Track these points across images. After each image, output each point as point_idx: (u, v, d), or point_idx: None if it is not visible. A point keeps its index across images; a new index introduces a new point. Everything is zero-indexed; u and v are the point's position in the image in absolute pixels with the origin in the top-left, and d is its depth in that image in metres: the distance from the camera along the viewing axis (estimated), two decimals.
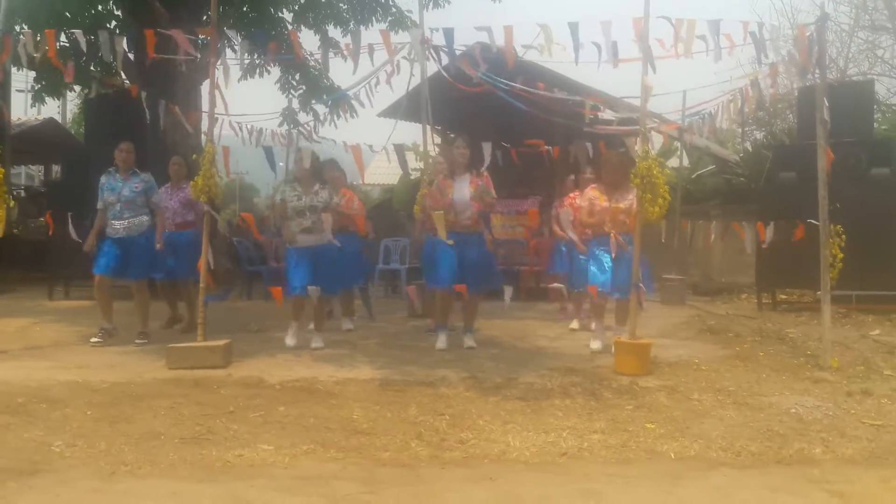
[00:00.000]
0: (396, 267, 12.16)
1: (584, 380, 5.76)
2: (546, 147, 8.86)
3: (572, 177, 8.98)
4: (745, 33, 6.23)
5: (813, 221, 6.64)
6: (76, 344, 7.28)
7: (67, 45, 9.45)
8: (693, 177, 17.03)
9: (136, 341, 7.16)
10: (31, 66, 6.91)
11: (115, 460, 3.90)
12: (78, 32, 6.75)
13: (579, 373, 6.02)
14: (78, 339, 7.47)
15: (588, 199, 7.08)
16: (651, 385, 5.65)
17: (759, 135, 20.56)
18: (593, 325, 7.39)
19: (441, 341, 7.08)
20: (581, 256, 7.64)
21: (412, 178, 16.88)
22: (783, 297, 11.18)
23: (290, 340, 7.11)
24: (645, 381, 5.77)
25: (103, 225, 7.30)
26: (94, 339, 7.11)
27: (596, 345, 7.05)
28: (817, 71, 6.92)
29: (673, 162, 15.93)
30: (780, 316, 9.73)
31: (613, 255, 6.75)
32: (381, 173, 28.52)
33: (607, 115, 9.12)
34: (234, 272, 11.89)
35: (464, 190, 7.04)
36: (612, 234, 6.77)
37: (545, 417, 4.79)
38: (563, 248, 8.53)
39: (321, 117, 12.03)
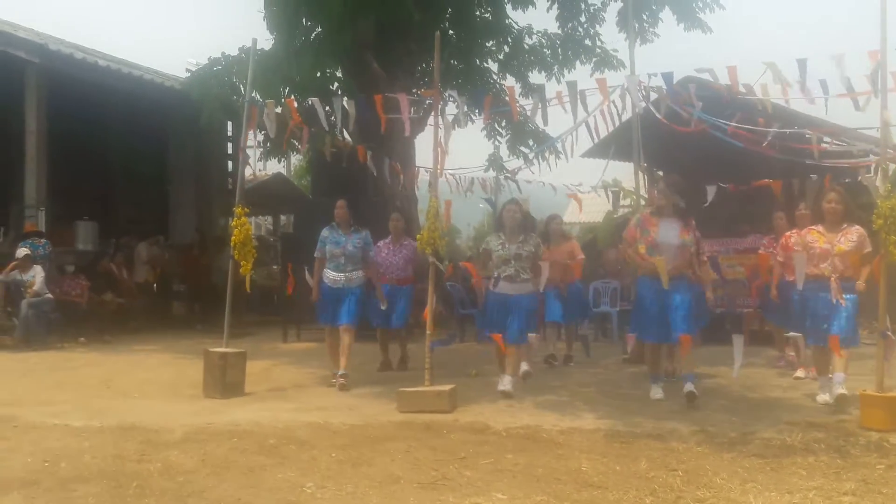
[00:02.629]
0: (607, 309, 12.02)
1: (827, 435, 5.38)
2: (767, 181, 8.51)
3: (782, 214, 8.47)
4: None
5: None
6: (314, 385, 7.82)
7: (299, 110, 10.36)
8: None
9: (339, 381, 7.45)
10: (271, 133, 7.60)
11: (362, 503, 4.13)
12: (315, 101, 7.36)
13: (821, 427, 5.62)
14: (314, 381, 8.02)
15: (804, 242, 6.64)
16: None
17: None
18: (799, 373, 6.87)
19: (655, 392, 6.83)
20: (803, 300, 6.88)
21: (619, 216, 16.73)
22: None
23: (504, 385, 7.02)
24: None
25: (321, 274, 7.80)
26: (333, 381, 7.55)
27: (823, 397, 6.59)
28: None
29: None
30: None
31: (834, 300, 6.27)
32: (584, 213, 28.15)
33: (836, 147, 8.57)
34: (448, 316, 12.28)
35: (671, 233, 6.72)
36: (832, 279, 6.31)
37: (788, 476, 4.52)
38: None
39: (529, 162, 12.32)
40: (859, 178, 7.57)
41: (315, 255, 7.88)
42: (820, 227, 6.59)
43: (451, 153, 8.30)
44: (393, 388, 6.74)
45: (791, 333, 7.98)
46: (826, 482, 4.41)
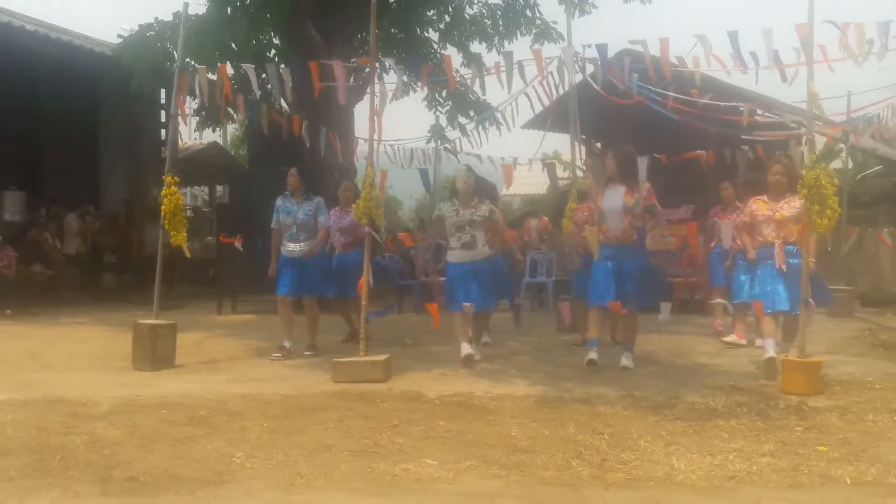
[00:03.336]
0: (543, 280, 12.16)
1: (749, 399, 5.57)
2: (702, 153, 8.66)
3: (728, 184, 8.69)
4: None
5: None
6: (247, 357, 7.75)
7: (233, 77, 10.13)
8: (857, 178, 16.07)
9: (305, 353, 7.56)
10: (205, 101, 7.42)
11: (292, 472, 4.13)
12: (248, 67, 7.20)
13: (744, 392, 5.81)
14: (248, 353, 7.95)
15: (750, 211, 6.84)
16: (821, 405, 5.40)
17: None
18: (759, 342, 7.03)
19: (592, 353, 6.81)
20: (742, 275, 7.11)
21: (560, 189, 16.84)
22: None
23: (465, 350, 6.96)
24: (815, 400, 5.52)
25: (278, 245, 7.71)
26: (274, 355, 7.49)
27: (771, 353, 6.54)
28: None
29: (835, 164, 15.11)
30: None
31: (778, 266, 6.48)
32: (523, 183, 28.40)
33: (768, 118, 8.77)
34: (386, 287, 12.27)
35: (615, 200, 6.85)
36: (776, 246, 6.51)
37: (710, 439, 4.67)
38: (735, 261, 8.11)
39: (467, 133, 12.30)
40: (789, 150, 7.75)
41: (272, 225, 7.77)
42: (764, 197, 6.81)
43: (393, 124, 8.24)
44: (328, 360, 6.72)
45: (718, 300, 8.21)
46: (746, 444, 4.56)
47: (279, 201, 7.74)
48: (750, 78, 6.86)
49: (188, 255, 7.45)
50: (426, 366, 6.99)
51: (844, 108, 10.03)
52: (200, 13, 11.57)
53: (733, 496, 3.76)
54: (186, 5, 7.47)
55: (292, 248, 7.61)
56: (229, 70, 10.61)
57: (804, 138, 6.18)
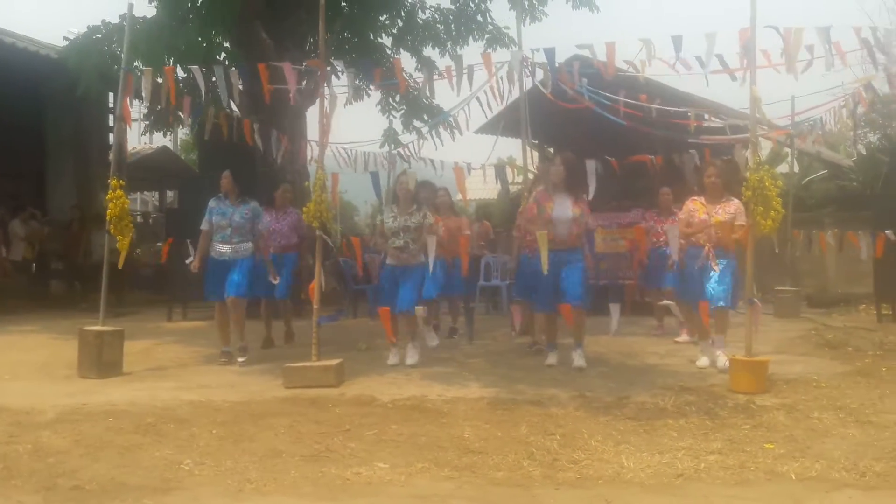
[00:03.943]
0: (497, 283, 12.19)
1: (698, 398, 5.66)
2: (650, 157, 8.78)
3: (667, 190, 8.85)
4: (857, 39, 6.01)
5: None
6: (197, 364, 7.63)
7: (182, 80, 9.99)
8: (803, 182, 16.45)
9: (239, 360, 7.34)
10: (151, 103, 7.31)
11: (241, 478, 4.07)
12: (195, 69, 7.11)
13: (693, 391, 5.91)
14: (198, 360, 7.82)
15: (687, 210, 6.97)
16: (768, 403, 5.50)
17: (873, 138, 19.65)
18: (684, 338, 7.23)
19: (551, 358, 7.09)
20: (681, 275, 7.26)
21: (512, 194, 16.95)
22: None
23: (392, 359, 7.24)
24: (762, 399, 5.63)
25: (206, 246, 7.54)
26: (221, 360, 7.42)
27: (703, 361, 6.94)
28: None
29: (782, 168, 15.46)
30: None
31: (698, 266, 6.65)
32: (477, 188, 28.52)
33: (714, 123, 8.95)
34: (341, 291, 12.20)
35: (566, 209, 6.98)
36: (706, 248, 6.64)
37: (659, 438, 4.73)
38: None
39: (422, 137, 12.30)
40: (734, 154, 7.91)
41: (201, 226, 7.61)
42: (702, 199, 6.93)
43: (347, 128, 8.22)
44: (280, 365, 6.64)
45: (664, 301, 8.35)
46: (695, 442, 4.63)
47: (213, 203, 7.60)
48: (699, 81, 7.00)
49: (121, 266, 7.23)
50: (380, 370, 6.96)
51: (789, 112, 10.24)
52: (150, 16, 11.40)
53: (681, 493, 3.81)
54: (131, 6, 7.35)
55: (223, 249, 7.47)
56: (180, 73, 10.49)
57: (747, 140, 6.30)
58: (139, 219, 19.66)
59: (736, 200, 6.75)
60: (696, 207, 6.93)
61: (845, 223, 11.95)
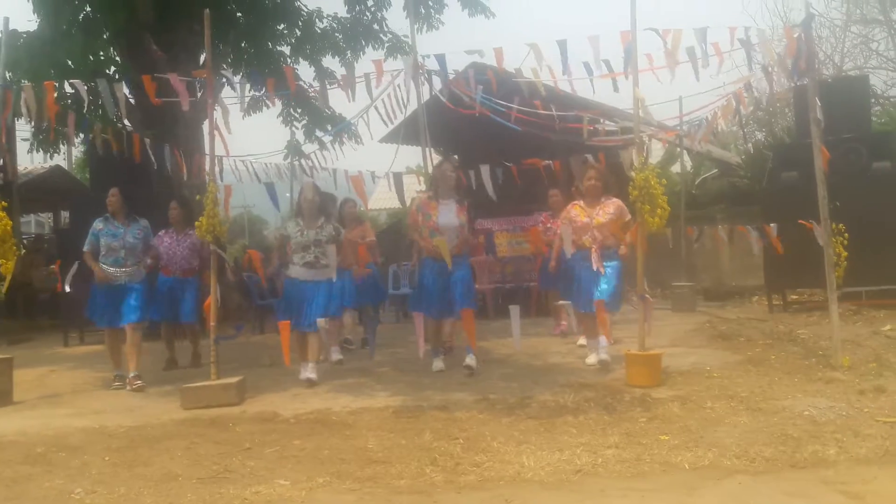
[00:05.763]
0: (406, 292, 12.17)
1: (597, 394, 5.77)
2: (547, 162, 8.94)
3: (556, 191, 9.02)
4: (732, 39, 6.28)
5: (804, 223, 6.67)
6: (93, 389, 7.34)
7: (69, 96, 9.62)
8: (697, 182, 17.06)
9: (134, 385, 7.04)
10: (35, 119, 7.00)
11: None
12: (77, 82, 6.86)
13: (592, 387, 6.03)
14: (94, 385, 7.53)
15: (568, 216, 7.11)
16: (664, 396, 5.66)
17: (760, 135, 20.59)
18: (581, 341, 7.50)
19: (437, 364, 7.14)
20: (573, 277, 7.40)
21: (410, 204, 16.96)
22: (794, 297, 11.16)
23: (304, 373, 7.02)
24: (657, 392, 5.79)
25: (90, 268, 7.23)
26: (115, 384, 7.18)
27: (592, 359, 7.07)
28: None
29: (675, 167, 15.98)
30: (791, 317, 9.71)
31: (595, 268, 6.75)
32: (388, 198, 28.50)
33: (607, 126, 9.19)
34: (246, 307, 11.96)
35: (450, 215, 7.04)
36: (592, 250, 6.79)
37: (559, 435, 4.81)
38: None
39: (324, 147, 12.18)
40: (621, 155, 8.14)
41: (84, 248, 7.29)
42: (582, 203, 7.07)
43: (250, 140, 8.04)
44: (180, 387, 6.46)
45: (561, 302, 8.51)
46: (593, 437, 4.73)
47: (99, 224, 7.29)
48: (586, 86, 7.17)
49: (4, 290, 6.89)
50: (284, 385, 6.85)
51: (678, 113, 10.58)
52: (33, 29, 10.96)
53: (578, 488, 3.88)
54: (7, 20, 7.05)
55: (117, 273, 7.21)
56: (67, 89, 10.09)
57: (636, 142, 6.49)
58: (25, 241, 18.75)
59: (615, 200, 6.93)
60: (576, 212, 7.06)
61: (736, 218, 12.48)
